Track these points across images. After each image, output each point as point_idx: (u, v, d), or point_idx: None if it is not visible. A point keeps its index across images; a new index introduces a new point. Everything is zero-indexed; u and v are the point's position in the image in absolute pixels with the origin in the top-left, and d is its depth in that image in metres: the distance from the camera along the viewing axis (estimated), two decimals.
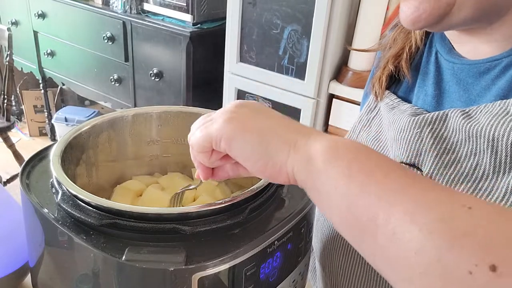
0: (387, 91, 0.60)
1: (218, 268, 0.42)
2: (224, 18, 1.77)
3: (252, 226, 0.47)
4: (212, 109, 0.67)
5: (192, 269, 0.41)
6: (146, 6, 2.09)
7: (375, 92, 0.62)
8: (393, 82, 0.61)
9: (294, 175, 0.38)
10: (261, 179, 0.50)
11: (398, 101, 0.58)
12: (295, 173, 0.37)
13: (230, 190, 0.66)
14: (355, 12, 1.53)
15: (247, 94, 1.86)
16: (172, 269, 0.41)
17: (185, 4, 1.92)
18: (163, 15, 2.03)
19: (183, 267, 0.41)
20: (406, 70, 0.58)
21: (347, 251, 0.57)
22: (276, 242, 0.48)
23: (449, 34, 0.53)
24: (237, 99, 1.94)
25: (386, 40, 0.62)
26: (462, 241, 0.27)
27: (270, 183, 0.51)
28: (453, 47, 0.53)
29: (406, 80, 0.58)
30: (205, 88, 2.06)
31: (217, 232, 0.45)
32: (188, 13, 1.92)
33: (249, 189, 0.48)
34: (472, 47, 0.50)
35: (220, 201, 0.46)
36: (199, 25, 1.95)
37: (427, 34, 0.58)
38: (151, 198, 0.60)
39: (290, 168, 0.37)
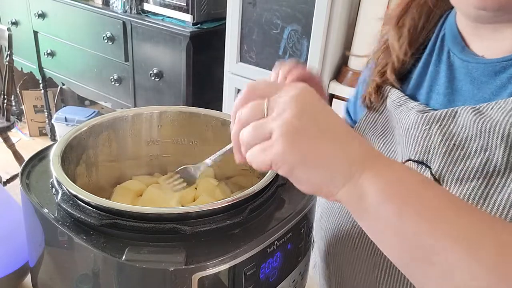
0: (393, 89, 0.59)
1: (218, 268, 0.42)
2: (224, 18, 1.77)
3: (252, 226, 0.47)
4: (212, 109, 0.67)
5: (192, 269, 0.41)
6: (146, 6, 2.09)
7: (367, 106, 0.61)
8: (400, 80, 0.60)
9: (343, 203, 0.38)
10: (261, 179, 0.50)
11: (405, 99, 0.57)
12: (344, 203, 0.38)
13: (230, 190, 0.66)
14: (355, 12, 1.53)
15: None
16: (172, 269, 0.41)
17: (185, 4, 1.92)
18: (163, 15, 2.03)
19: (183, 267, 0.41)
20: (395, 83, 0.58)
21: (354, 249, 0.56)
22: (276, 242, 0.48)
23: (468, 28, 0.52)
24: None
25: (371, 56, 0.63)
26: None
27: (270, 183, 0.51)
28: (466, 45, 0.52)
29: (414, 78, 0.58)
30: (205, 88, 2.06)
31: (217, 232, 0.45)
32: (188, 13, 1.92)
33: (249, 189, 0.48)
34: (490, 43, 0.49)
35: (220, 201, 0.46)
36: (199, 25, 1.94)
37: (411, 46, 0.57)
38: (151, 198, 0.60)
39: (340, 198, 0.37)
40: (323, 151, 0.37)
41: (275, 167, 0.38)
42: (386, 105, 0.60)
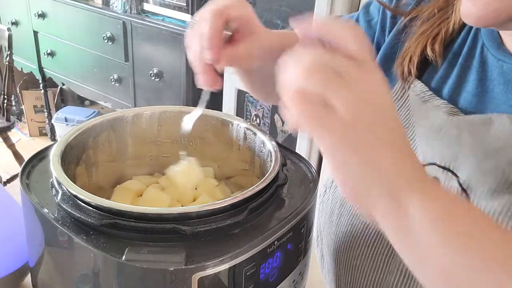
0: (416, 80, 0.54)
1: (218, 268, 0.42)
2: None
3: (252, 226, 0.47)
4: (212, 109, 0.67)
5: (192, 269, 0.41)
6: (146, 6, 2.09)
7: (403, 73, 0.54)
8: (424, 70, 0.55)
9: (379, 219, 0.34)
10: (261, 179, 0.50)
11: (430, 94, 0.52)
12: (381, 218, 0.34)
13: (230, 190, 0.66)
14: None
15: (247, 94, 1.86)
16: (172, 269, 0.41)
17: (185, 4, 1.92)
18: (163, 15, 2.04)
19: (183, 267, 0.41)
20: (438, 53, 0.52)
21: (368, 251, 0.54)
22: (276, 242, 0.48)
23: None
24: (237, 99, 1.93)
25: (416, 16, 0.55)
26: None
27: (270, 183, 0.51)
28: (502, 43, 0.48)
29: (442, 68, 0.53)
30: None
31: (217, 232, 0.45)
32: (188, 13, 1.92)
33: (249, 189, 0.48)
34: None
35: (220, 201, 0.46)
36: None
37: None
38: (151, 198, 0.60)
39: (379, 211, 0.34)
40: (369, 148, 0.32)
41: (305, 131, 0.33)
42: (408, 96, 0.55)
